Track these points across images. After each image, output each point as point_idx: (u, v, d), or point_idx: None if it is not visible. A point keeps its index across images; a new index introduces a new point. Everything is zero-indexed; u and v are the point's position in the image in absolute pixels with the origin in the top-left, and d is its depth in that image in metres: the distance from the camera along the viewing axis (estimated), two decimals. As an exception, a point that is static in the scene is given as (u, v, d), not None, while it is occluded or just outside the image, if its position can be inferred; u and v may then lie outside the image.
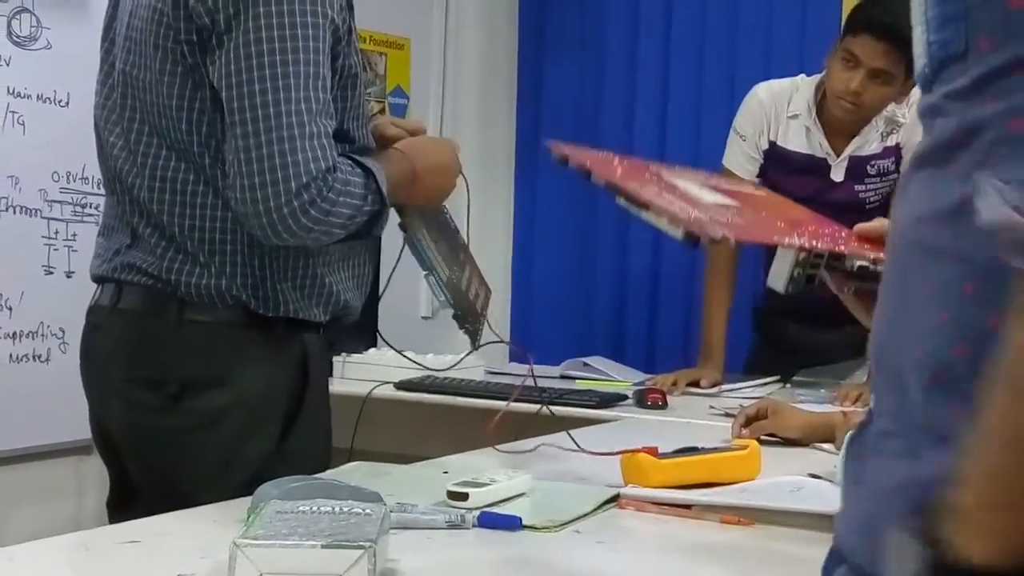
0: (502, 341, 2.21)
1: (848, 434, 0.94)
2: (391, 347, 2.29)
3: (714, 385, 3.13)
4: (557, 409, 2.63)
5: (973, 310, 0.73)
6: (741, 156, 3.19)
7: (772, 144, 3.17)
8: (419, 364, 2.56)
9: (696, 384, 3.14)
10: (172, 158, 1.78)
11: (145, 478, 1.86)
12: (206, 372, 1.79)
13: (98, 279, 1.90)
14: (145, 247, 1.81)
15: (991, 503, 0.60)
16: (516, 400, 2.70)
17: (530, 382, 2.22)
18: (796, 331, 3.25)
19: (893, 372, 0.80)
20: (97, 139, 1.91)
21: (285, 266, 1.82)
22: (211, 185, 1.77)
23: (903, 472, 0.76)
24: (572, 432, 2.13)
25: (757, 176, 3.16)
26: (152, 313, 1.81)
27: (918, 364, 0.77)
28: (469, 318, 2.00)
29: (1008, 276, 0.66)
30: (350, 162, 1.76)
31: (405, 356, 2.34)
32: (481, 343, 2.05)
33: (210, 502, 1.60)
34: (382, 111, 4.07)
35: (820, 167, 3.15)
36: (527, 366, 3.54)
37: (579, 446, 1.95)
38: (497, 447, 1.99)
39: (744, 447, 1.87)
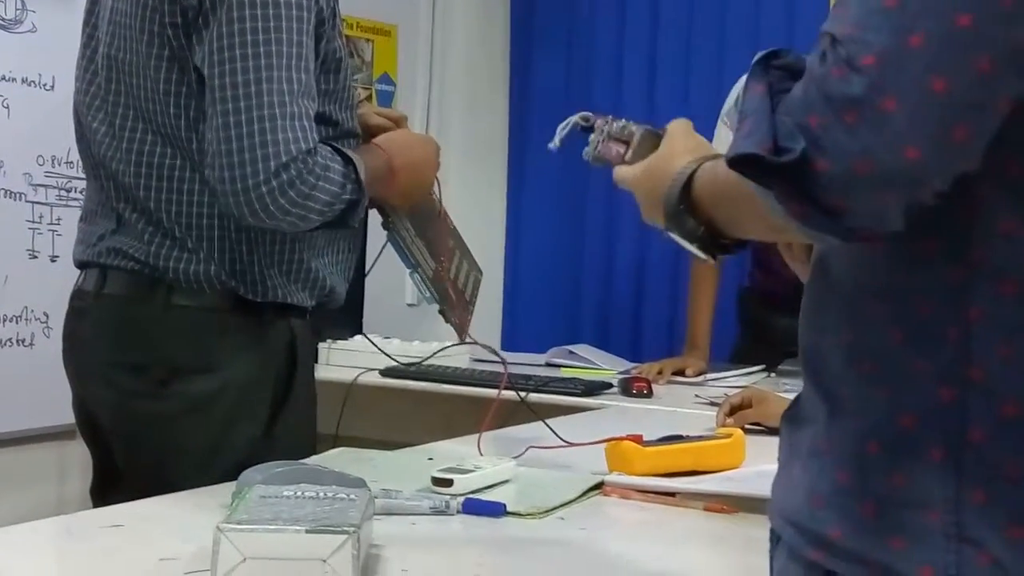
0: (475, 343, 2.18)
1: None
2: (369, 338, 2.29)
3: (699, 374, 3.14)
4: (542, 397, 2.64)
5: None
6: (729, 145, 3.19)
7: None
8: (401, 353, 2.56)
9: (681, 373, 3.14)
10: (158, 143, 1.78)
11: (132, 464, 1.85)
12: (193, 357, 1.79)
13: (81, 264, 1.89)
14: (131, 232, 1.80)
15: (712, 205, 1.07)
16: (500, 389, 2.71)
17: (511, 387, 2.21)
18: (782, 321, 3.25)
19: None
20: (77, 124, 1.90)
21: (272, 251, 1.82)
22: (198, 170, 1.76)
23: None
24: (556, 420, 2.14)
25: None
26: (139, 298, 1.80)
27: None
28: (457, 310, 2.00)
29: None
30: (330, 149, 1.76)
31: (377, 346, 2.33)
32: (467, 337, 2.05)
33: (197, 486, 1.60)
34: (369, 98, 4.06)
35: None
36: (513, 354, 3.55)
37: (559, 436, 1.94)
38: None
39: (728, 435, 1.88)
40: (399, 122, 2.03)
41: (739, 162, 0.89)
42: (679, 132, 1.22)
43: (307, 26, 1.71)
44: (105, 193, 1.85)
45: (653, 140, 1.24)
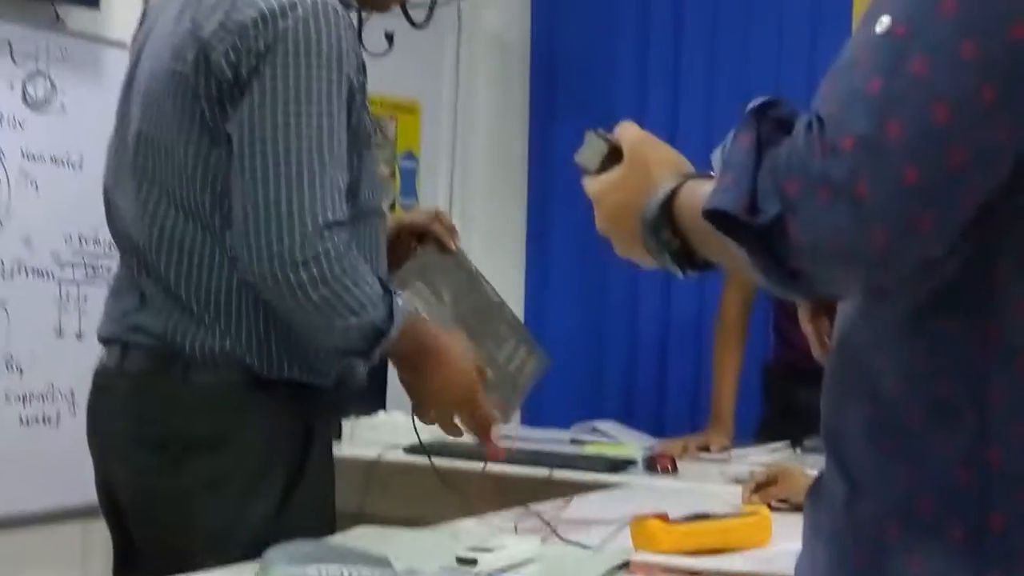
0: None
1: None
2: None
3: (724, 450, 3.12)
4: (567, 473, 2.62)
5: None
6: None
7: None
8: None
9: (706, 449, 3.13)
10: (180, 218, 1.79)
11: (148, 541, 1.84)
12: (209, 433, 1.79)
13: (105, 340, 1.90)
14: (152, 309, 1.82)
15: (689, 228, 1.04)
16: (525, 464, 2.70)
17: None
18: (807, 396, 3.23)
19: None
20: (106, 203, 1.92)
21: (289, 327, 1.81)
22: (219, 244, 1.78)
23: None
24: (581, 497, 2.12)
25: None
26: (157, 374, 1.81)
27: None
28: (500, 394, 1.99)
29: None
30: (372, 272, 1.76)
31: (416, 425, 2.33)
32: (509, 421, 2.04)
33: (212, 565, 1.59)
34: (392, 175, 4.09)
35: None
36: (536, 429, 3.54)
37: (550, 527, 1.90)
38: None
39: (755, 513, 1.86)
40: (439, 217, 2.06)
41: (713, 215, 0.92)
42: (647, 141, 1.17)
43: (340, 100, 1.73)
44: (130, 269, 1.86)
45: (601, 143, 1.19)
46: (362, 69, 1.82)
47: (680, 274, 1.09)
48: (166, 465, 1.78)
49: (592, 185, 1.17)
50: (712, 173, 1.10)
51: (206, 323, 1.78)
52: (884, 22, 0.86)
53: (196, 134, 1.76)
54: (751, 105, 0.96)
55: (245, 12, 1.71)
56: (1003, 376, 0.88)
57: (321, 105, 1.71)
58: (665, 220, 1.06)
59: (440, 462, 2.87)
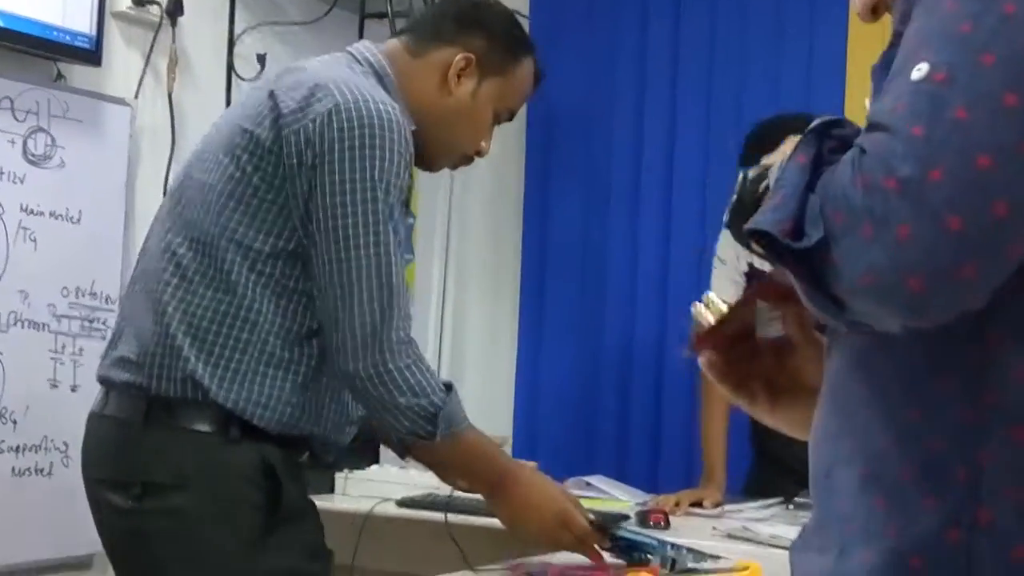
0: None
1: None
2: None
3: (717, 506, 3.12)
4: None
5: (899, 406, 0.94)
6: (725, 280, 3.23)
7: (750, 266, 3.21)
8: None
9: (699, 504, 3.13)
10: (193, 247, 1.86)
11: None
12: (167, 473, 1.84)
13: (99, 380, 1.97)
14: (135, 337, 1.88)
15: None
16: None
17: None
18: (797, 448, 3.23)
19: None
20: (147, 235, 2.00)
21: (264, 370, 1.85)
22: (220, 272, 1.84)
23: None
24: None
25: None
26: (126, 418, 1.87)
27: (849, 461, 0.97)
28: None
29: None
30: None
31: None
32: None
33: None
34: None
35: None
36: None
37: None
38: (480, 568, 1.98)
39: (745, 567, 1.87)
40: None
41: (756, 235, 0.91)
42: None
43: (402, 189, 1.86)
44: (132, 303, 1.94)
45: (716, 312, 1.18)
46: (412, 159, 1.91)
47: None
48: (129, 505, 1.84)
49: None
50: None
51: (180, 352, 1.83)
52: (923, 68, 0.85)
53: (235, 181, 1.84)
54: (814, 123, 0.95)
55: (324, 102, 1.82)
56: (996, 439, 0.88)
57: (389, 193, 1.82)
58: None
59: (435, 515, 2.88)
